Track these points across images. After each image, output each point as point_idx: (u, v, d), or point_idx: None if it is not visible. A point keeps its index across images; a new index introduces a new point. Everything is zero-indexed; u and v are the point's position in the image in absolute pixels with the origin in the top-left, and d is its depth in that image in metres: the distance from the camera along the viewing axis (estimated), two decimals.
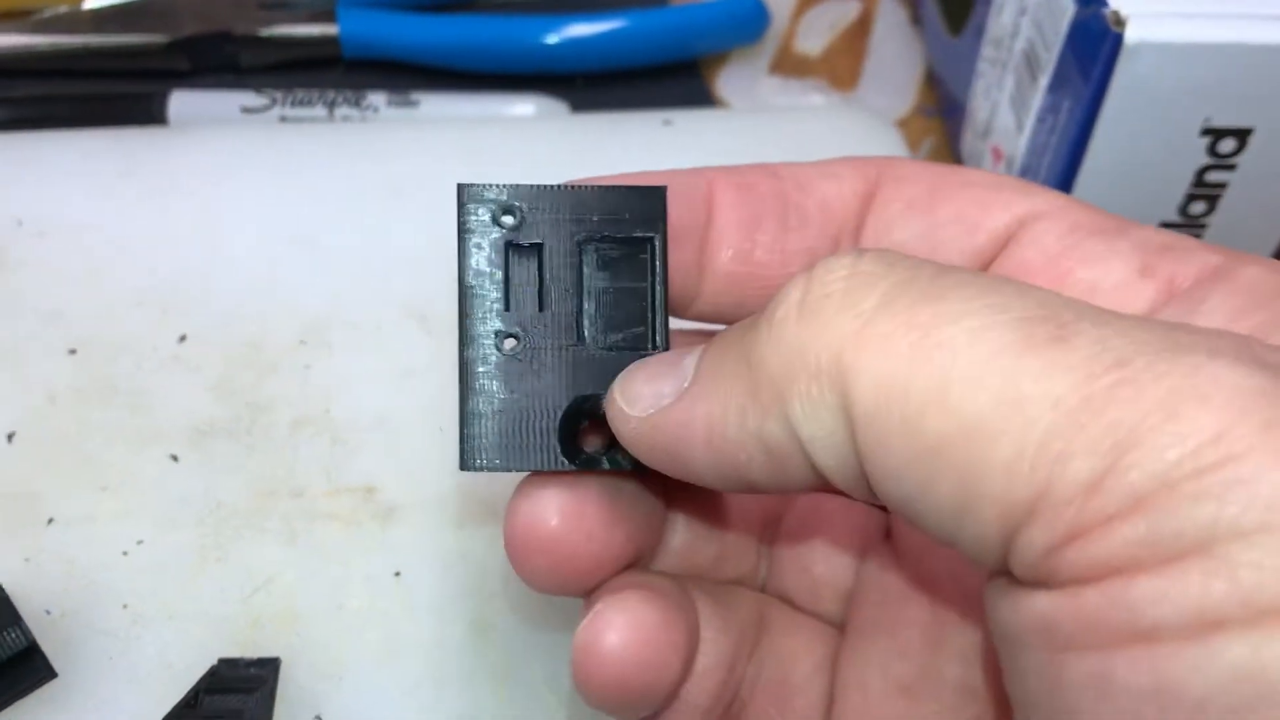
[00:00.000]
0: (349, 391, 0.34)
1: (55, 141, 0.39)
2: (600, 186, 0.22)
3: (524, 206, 0.21)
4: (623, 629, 0.21)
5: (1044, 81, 0.34)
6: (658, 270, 0.22)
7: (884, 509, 0.25)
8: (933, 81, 0.46)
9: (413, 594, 0.30)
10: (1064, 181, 0.33)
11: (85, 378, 0.34)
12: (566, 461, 0.21)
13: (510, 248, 0.21)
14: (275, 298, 0.36)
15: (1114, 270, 0.20)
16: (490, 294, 0.21)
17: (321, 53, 0.44)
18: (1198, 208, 0.34)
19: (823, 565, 0.25)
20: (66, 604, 0.30)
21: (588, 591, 0.22)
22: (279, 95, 0.43)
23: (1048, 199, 0.22)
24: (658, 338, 0.22)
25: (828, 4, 0.49)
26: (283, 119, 0.42)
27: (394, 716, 0.29)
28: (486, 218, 0.21)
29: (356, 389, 0.34)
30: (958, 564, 0.23)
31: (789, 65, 0.47)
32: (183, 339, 0.35)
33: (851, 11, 0.49)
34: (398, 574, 0.31)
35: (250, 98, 0.43)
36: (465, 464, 0.21)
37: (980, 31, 0.39)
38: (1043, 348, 0.15)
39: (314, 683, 0.29)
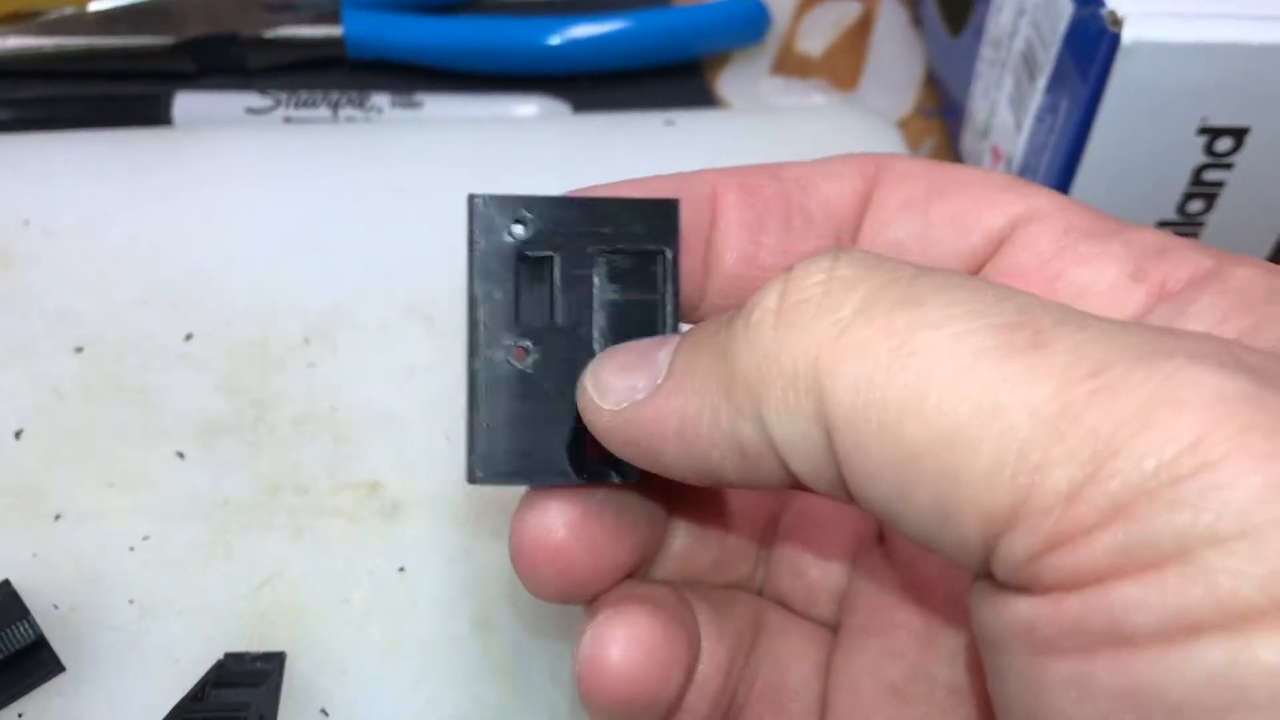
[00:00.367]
0: (354, 389, 0.34)
1: (62, 142, 0.39)
2: (612, 199, 0.21)
3: (534, 217, 0.21)
4: (625, 643, 0.21)
5: (1042, 81, 0.34)
6: (669, 283, 0.21)
7: None
8: (933, 82, 0.46)
9: (417, 590, 0.31)
10: (1062, 180, 0.33)
11: (92, 376, 0.34)
12: (575, 475, 0.21)
13: (520, 259, 0.21)
14: (280, 297, 0.36)
15: (1106, 273, 0.20)
16: (499, 305, 0.21)
17: (326, 54, 0.45)
18: (1195, 206, 0.34)
19: (817, 569, 0.25)
20: (74, 598, 0.30)
21: (590, 599, 0.22)
22: (284, 96, 0.43)
23: (1044, 200, 0.22)
24: None
25: (828, 5, 0.49)
26: (287, 120, 0.43)
27: (398, 710, 0.29)
28: (496, 228, 0.21)
29: (361, 387, 0.34)
30: (948, 567, 0.23)
31: (790, 66, 0.48)
32: (189, 337, 0.35)
33: (852, 12, 0.49)
34: (402, 570, 0.31)
35: (255, 99, 0.43)
36: (472, 477, 0.21)
37: (979, 32, 0.39)
38: (1021, 354, 0.15)
39: (319, 677, 0.29)
